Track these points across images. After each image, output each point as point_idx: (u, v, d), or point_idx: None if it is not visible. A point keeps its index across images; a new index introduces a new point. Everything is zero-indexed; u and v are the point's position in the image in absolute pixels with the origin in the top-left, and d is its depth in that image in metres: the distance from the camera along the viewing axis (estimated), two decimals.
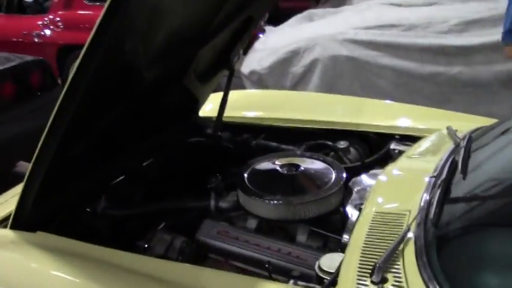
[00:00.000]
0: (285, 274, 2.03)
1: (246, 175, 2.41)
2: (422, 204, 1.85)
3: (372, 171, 2.38)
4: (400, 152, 2.61)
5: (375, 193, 2.10)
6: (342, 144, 2.82)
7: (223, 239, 2.28)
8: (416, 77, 5.11)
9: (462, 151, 2.05)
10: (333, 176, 2.34)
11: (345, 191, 2.31)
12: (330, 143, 2.85)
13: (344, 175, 2.34)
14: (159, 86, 2.56)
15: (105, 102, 2.15)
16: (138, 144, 2.67)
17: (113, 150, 2.49)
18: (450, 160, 2.07)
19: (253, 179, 2.36)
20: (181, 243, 2.25)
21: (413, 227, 1.73)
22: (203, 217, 2.42)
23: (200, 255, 2.33)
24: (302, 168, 2.41)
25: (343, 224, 2.17)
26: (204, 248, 2.32)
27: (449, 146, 2.29)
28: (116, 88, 2.17)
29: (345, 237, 2.05)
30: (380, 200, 2.04)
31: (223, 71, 3.04)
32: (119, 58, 2.03)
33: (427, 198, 1.87)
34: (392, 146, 2.69)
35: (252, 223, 2.33)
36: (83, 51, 1.73)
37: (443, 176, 1.94)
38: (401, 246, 1.65)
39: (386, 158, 2.69)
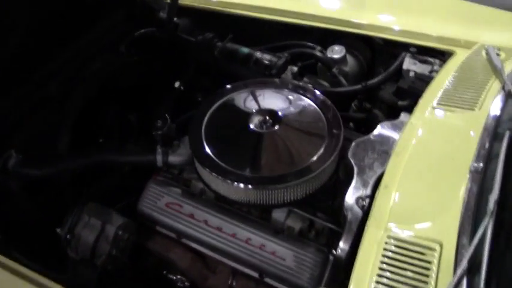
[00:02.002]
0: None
1: (203, 127, 1.70)
2: (462, 237, 1.26)
3: (381, 129, 1.69)
4: (418, 78, 1.90)
5: (385, 194, 1.45)
6: (336, 51, 2.08)
7: (173, 215, 1.74)
8: None
9: None
10: (325, 135, 1.65)
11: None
12: (319, 51, 2.10)
13: (341, 133, 1.65)
14: None
15: None
16: (56, 54, 1.91)
17: (22, 71, 1.77)
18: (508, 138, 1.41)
19: (212, 136, 1.67)
20: (115, 232, 1.64)
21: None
22: (147, 175, 1.80)
23: (145, 226, 1.78)
24: (282, 119, 1.70)
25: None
26: (149, 221, 1.73)
27: (495, 90, 1.64)
28: None
29: (341, 246, 1.45)
30: (393, 207, 1.40)
31: None
32: None
33: (469, 221, 1.27)
34: (406, 64, 1.97)
35: (212, 195, 1.70)
36: None
37: (499, 174, 1.31)
38: None
39: (396, 78, 1.98)
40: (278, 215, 1.67)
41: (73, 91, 1.92)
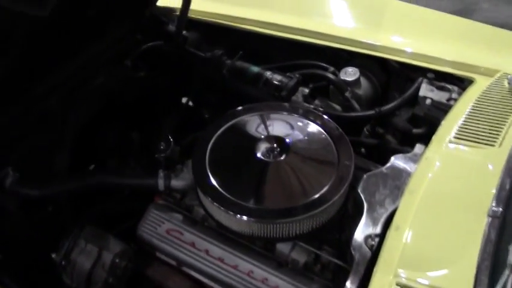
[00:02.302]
0: None
1: (207, 153, 1.62)
2: None
3: (394, 162, 1.60)
4: (434, 106, 1.82)
5: (396, 236, 1.37)
6: (350, 74, 2.00)
7: (174, 243, 1.66)
8: None
9: None
10: (335, 167, 1.56)
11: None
12: (331, 73, 2.02)
13: (352, 165, 1.56)
14: None
15: None
16: (57, 68, 1.84)
17: (20, 86, 1.70)
18: None
19: (216, 163, 1.59)
20: (112, 259, 1.57)
21: None
22: (148, 199, 1.74)
23: (144, 251, 1.72)
24: (290, 147, 1.62)
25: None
26: (148, 247, 1.65)
27: None
28: None
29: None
30: (403, 251, 1.32)
31: None
32: None
33: (486, 272, 1.21)
34: (423, 90, 1.88)
35: (214, 224, 1.63)
36: None
37: None
38: None
39: (412, 103, 1.90)
40: (282, 247, 1.59)
41: (74, 107, 1.85)
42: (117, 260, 1.61)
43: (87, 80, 1.91)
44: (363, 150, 1.93)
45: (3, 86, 1.59)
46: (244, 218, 1.47)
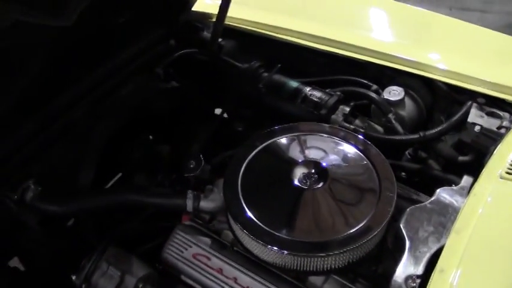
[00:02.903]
0: None
1: (240, 175, 1.53)
2: None
3: (439, 196, 1.49)
4: (483, 133, 1.70)
5: (440, 279, 1.26)
6: (394, 94, 1.88)
7: (200, 269, 1.57)
8: None
9: None
10: (376, 198, 1.46)
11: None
12: (374, 91, 1.90)
13: (394, 197, 1.46)
14: None
15: None
16: (84, 77, 1.76)
17: (44, 95, 1.64)
18: None
19: (249, 187, 1.50)
20: (135, 284, 1.50)
21: None
22: (175, 219, 1.66)
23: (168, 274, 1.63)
24: (329, 174, 1.52)
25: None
26: (173, 270, 1.58)
27: None
28: None
29: None
30: None
31: None
32: None
33: None
34: (472, 116, 1.75)
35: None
36: None
37: None
38: None
39: (458, 129, 1.78)
40: (315, 278, 1.51)
41: (100, 118, 1.77)
42: (140, 285, 1.53)
43: (115, 90, 1.83)
44: (403, 174, 1.82)
45: (26, 96, 1.53)
46: (276, 249, 1.38)
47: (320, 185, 1.50)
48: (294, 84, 1.95)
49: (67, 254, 1.67)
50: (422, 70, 1.89)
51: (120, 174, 2.04)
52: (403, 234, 1.40)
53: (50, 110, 1.68)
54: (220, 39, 2.11)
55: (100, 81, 1.81)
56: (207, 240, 1.61)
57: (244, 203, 1.46)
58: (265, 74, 2.01)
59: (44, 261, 1.67)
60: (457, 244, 1.32)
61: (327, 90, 1.93)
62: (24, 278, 1.69)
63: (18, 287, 1.57)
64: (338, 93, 1.90)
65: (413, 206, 1.47)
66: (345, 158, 1.59)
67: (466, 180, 1.53)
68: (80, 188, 1.70)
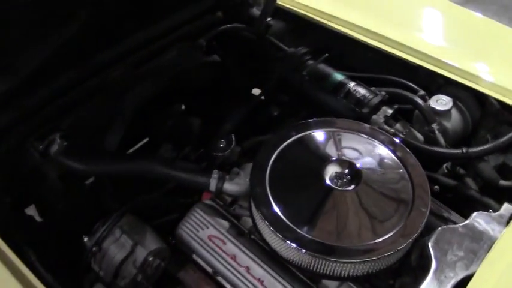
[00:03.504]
0: None
1: (269, 164, 1.47)
2: None
3: (474, 221, 1.41)
4: None
5: None
6: (442, 103, 1.79)
7: (214, 252, 1.52)
8: None
9: None
10: (407, 209, 1.39)
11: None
12: (421, 97, 1.82)
13: (426, 213, 1.38)
14: None
15: None
16: (126, 38, 1.71)
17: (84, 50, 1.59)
18: None
19: (277, 178, 1.43)
20: (145, 257, 1.45)
21: None
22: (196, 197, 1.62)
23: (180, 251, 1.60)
24: (362, 177, 1.45)
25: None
26: (186, 248, 1.54)
27: None
28: None
29: None
30: None
31: None
32: None
33: None
34: None
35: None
36: None
37: None
38: None
39: (504, 151, 1.68)
40: (329, 282, 1.44)
41: (137, 82, 1.72)
42: (150, 258, 1.49)
43: (156, 55, 1.78)
44: (436, 187, 1.73)
45: (68, 47, 1.48)
46: (294, 246, 1.32)
47: (351, 187, 1.43)
48: (338, 76, 1.88)
49: (82, 213, 1.63)
50: (476, 83, 1.79)
51: (144, 141, 2.00)
52: (430, 254, 1.33)
53: (89, 64, 1.64)
54: (269, 19, 2.04)
55: (143, 44, 1.75)
56: (225, 223, 1.56)
57: (270, 193, 1.40)
58: (311, 62, 1.93)
59: (59, 216, 1.64)
60: (488, 275, 1.25)
61: (372, 89, 1.85)
62: (37, 229, 1.66)
63: (31, 236, 1.53)
64: (383, 93, 1.82)
65: (445, 226, 1.39)
66: (380, 162, 1.51)
67: (506, 208, 1.44)
68: (105, 149, 1.66)
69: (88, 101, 1.62)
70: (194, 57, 1.86)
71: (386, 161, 1.52)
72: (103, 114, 1.67)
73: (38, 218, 1.71)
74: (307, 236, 1.33)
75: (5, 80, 1.40)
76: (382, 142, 1.56)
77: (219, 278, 1.54)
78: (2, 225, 1.42)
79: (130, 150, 1.97)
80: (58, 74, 1.57)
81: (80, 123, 1.62)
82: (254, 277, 1.47)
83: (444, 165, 1.79)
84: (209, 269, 1.55)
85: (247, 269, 1.49)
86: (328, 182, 1.43)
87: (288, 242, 1.32)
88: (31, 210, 1.74)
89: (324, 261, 1.32)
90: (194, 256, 1.57)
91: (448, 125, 1.80)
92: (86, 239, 1.51)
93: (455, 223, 1.48)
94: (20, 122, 1.52)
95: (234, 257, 1.51)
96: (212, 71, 1.95)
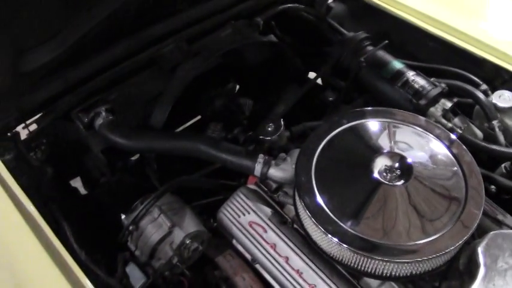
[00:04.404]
0: None
1: (317, 152, 1.41)
2: None
3: None
4: None
5: None
6: (505, 99, 1.70)
7: (254, 239, 1.49)
8: None
9: None
10: (459, 211, 1.31)
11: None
12: (482, 91, 1.72)
13: (479, 215, 1.30)
14: None
15: None
16: (180, 12, 1.68)
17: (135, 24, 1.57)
18: None
19: (323, 168, 1.38)
20: (182, 240, 1.43)
21: None
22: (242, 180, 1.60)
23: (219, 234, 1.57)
24: (413, 172, 1.37)
25: None
26: (226, 233, 1.53)
27: None
28: None
29: None
30: None
31: None
32: None
33: None
34: None
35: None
36: None
37: None
38: None
39: None
40: (371, 280, 1.39)
41: (189, 58, 1.68)
42: (187, 241, 1.47)
43: (211, 31, 1.74)
44: (492, 187, 1.64)
45: (121, 18, 1.46)
46: (336, 240, 1.27)
47: (401, 182, 1.36)
48: (397, 65, 1.80)
49: (124, 190, 1.62)
50: None
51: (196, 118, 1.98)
52: (479, 260, 1.26)
53: (141, 37, 1.61)
54: (330, 0, 1.97)
55: (198, 19, 1.72)
56: (268, 210, 1.52)
57: (315, 182, 1.35)
58: (370, 48, 1.86)
59: (100, 190, 1.63)
60: None
61: (431, 79, 1.76)
62: (80, 201, 1.67)
63: (71, 208, 1.53)
64: (443, 85, 1.74)
65: (497, 231, 1.31)
66: (434, 158, 1.43)
67: None
68: (151, 125, 1.64)
69: (137, 75, 1.60)
70: (249, 35, 1.81)
71: (440, 157, 1.44)
72: (151, 89, 1.65)
73: (83, 191, 1.72)
74: (350, 230, 1.28)
75: (52, 49, 1.39)
76: (438, 137, 1.48)
77: (257, 266, 1.51)
78: (41, 195, 1.42)
79: (180, 128, 1.94)
80: (107, 46, 1.55)
81: (126, 97, 1.60)
82: (293, 268, 1.43)
83: (503, 165, 1.69)
84: (248, 256, 1.52)
85: (287, 259, 1.45)
86: (376, 175, 1.37)
87: (330, 235, 1.28)
88: (77, 183, 1.75)
89: (366, 259, 1.27)
90: (234, 241, 1.54)
91: (509, 122, 1.71)
92: (123, 216, 1.49)
93: (510, 228, 1.40)
94: (67, 92, 1.51)
95: (273, 246, 1.46)
96: (267, 51, 1.90)
